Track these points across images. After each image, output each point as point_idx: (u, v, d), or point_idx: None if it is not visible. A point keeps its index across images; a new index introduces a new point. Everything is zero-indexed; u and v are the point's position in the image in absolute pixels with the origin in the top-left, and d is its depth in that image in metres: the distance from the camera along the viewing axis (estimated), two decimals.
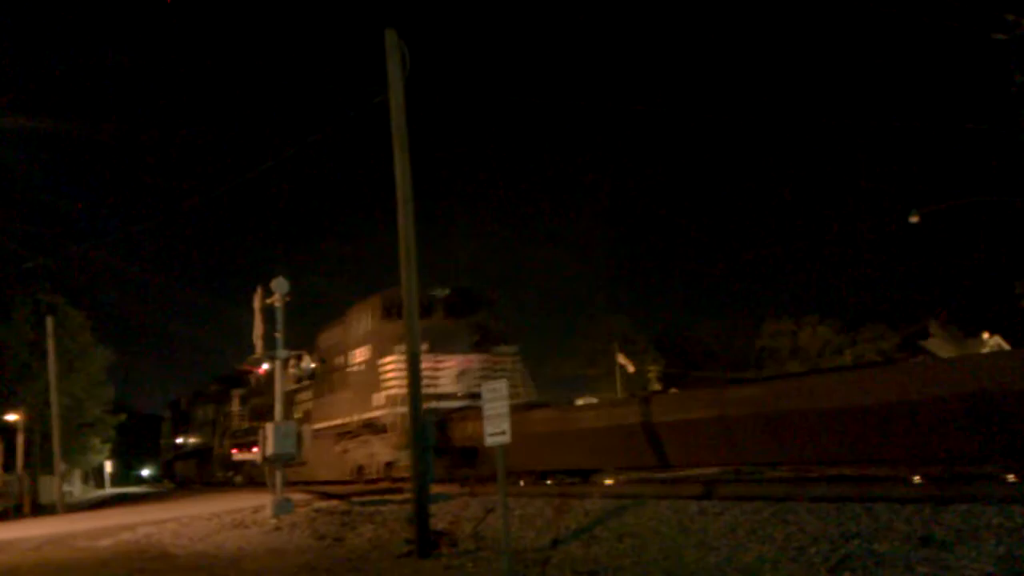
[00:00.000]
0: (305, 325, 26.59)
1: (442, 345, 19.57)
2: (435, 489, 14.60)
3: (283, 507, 15.88)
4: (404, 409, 18.79)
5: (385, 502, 15.52)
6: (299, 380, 24.62)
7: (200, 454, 43.26)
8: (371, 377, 21.02)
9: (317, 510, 15.73)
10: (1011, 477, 9.84)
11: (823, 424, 10.89)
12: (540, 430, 15.54)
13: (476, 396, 19.22)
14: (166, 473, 58.79)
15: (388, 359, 20.33)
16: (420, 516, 11.03)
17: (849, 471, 13.04)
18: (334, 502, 17.08)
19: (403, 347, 18.35)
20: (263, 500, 17.23)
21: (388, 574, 9.73)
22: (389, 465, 20.52)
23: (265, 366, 18.76)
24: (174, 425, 50.96)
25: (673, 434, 12.98)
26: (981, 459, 10.08)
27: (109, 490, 62.15)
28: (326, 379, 24.14)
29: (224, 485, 36.35)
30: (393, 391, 19.83)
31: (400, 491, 17.68)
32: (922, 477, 10.78)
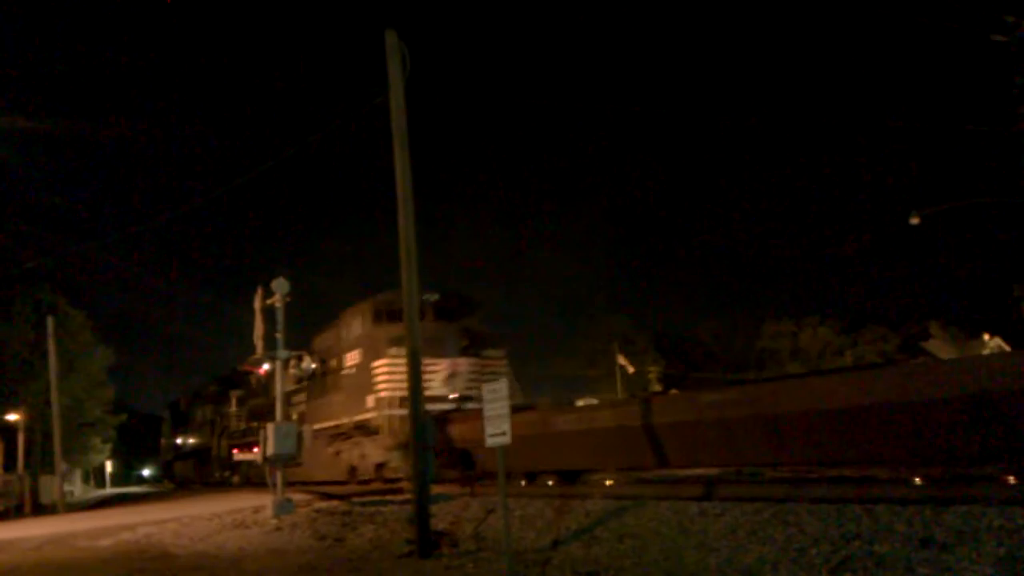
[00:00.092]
0: (306, 325, 26.68)
1: (431, 349, 19.63)
2: (435, 490, 14.63)
3: (284, 507, 15.90)
4: (394, 411, 19.83)
5: (386, 502, 15.53)
6: (299, 381, 24.70)
7: (199, 455, 43.43)
8: (363, 380, 21.37)
9: (318, 510, 15.74)
10: (1011, 479, 9.85)
11: (824, 425, 10.89)
12: (524, 432, 15.64)
13: (466, 399, 19.92)
14: (166, 473, 58.89)
15: (379, 362, 20.69)
16: (421, 516, 11.03)
17: (850, 472, 13.06)
18: (335, 502, 17.10)
19: (393, 350, 19.96)
20: (263, 500, 17.24)
21: (389, 574, 9.73)
22: (380, 466, 20.84)
23: (266, 366, 18.82)
24: (173, 425, 51.12)
25: (645, 437, 13.37)
26: (981, 461, 10.08)
27: (110, 490, 62.21)
28: (320, 381, 24.46)
29: (222, 485, 36.52)
30: (383, 394, 20.26)
31: (400, 491, 17.71)
32: (922, 478, 10.79)
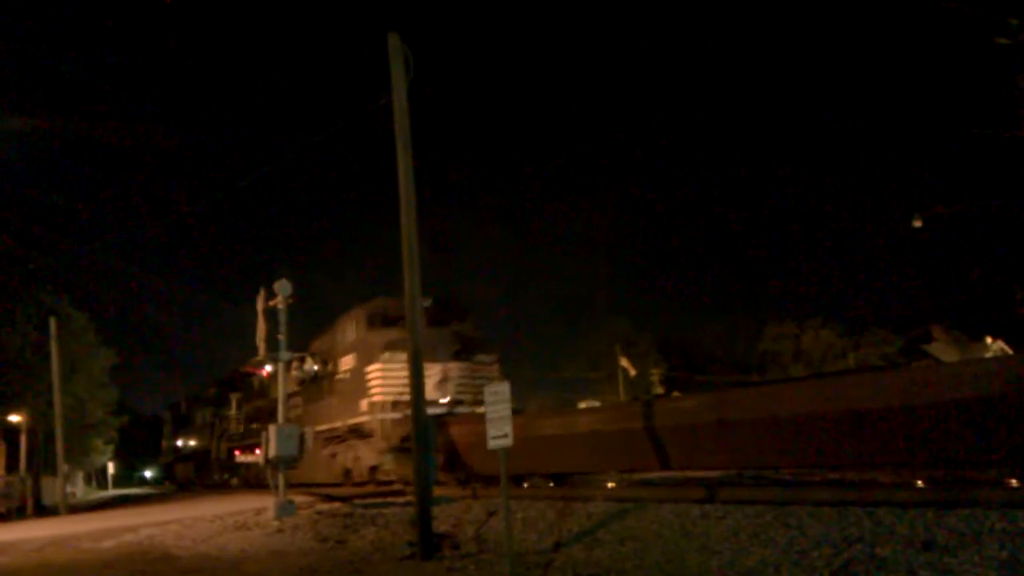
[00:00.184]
0: (308, 327, 26.75)
1: (425, 353, 19.97)
2: (437, 492, 14.65)
3: (286, 509, 15.91)
4: (387, 415, 20.20)
5: (387, 504, 15.53)
6: (301, 383, 24.79)
7: (199, 457, 43.66)
8: (357, 384, 21.64)
9: (319, 512, 15.75)
10: (1014, 482, 9.85)
11: (826, 428, 10.90)
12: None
13: (458, 403, 20.24)
14: (167, 475, 59.01)
15: (372, 367, 20.93)
16: (423, 519, 11.04)
17: (852, 475, 13.06)
18: (336, 504, 17.11)
19: (387, 355, 20.53)
20: (265, 502, 17.25)
21: None
22: (374, 469, 21.14)
23: (268, 368, 18.90)
24: (174, 428, 51.30)
25: (620, 441, 14.06)
26: (984, 464, 10.09)
27: (112, 491, 62.21)
28: (316, 385, 24.76)
29: (221, 487, 36.74)
30: (377, 398, 20.52)
31: (402, 494, 17.74)
32: (924, 481, 10.79)
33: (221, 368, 43.63)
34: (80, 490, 49.71)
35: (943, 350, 43.62)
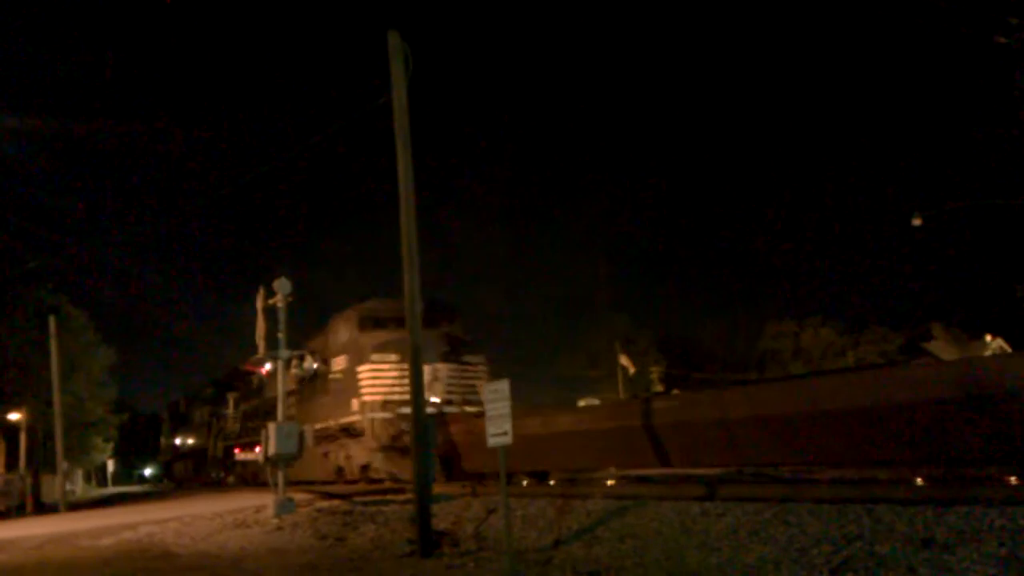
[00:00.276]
0: (306, 325, 26.86)
1: None
2: (437, 489, 14.67)
3: (285, 507, 15.92)
4: (377, 415, 20.80)
5: (387, 502, 15.54)
6: (301, 381, 24.91)
7: (196, 455, 44.00)
8: (348, 384, 22.16)
9: (319, 510, 15.75)
10: (1013, 479, 9.86)
11: (825, 426, 10.91)
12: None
13: (447, 403, 20.52)
14: (166, 473, 59.18)
15: (363, 368, 21.49)
16: (422, 516, 11.04)
17: (851, 473, 13.07)
18: (336, 502, 17.12)
19: (377, 356, 21.18)
20: (264, 500, 17.25)
21: (390, 574, 9.74)
22: (365, 467, 21.68)
23: (268, 366, 18.96)
24: (172, 426, 51.53)
25: (598, 440, 14.71)
26: (983, 461, 10.10)
27: (111, 489, 62.22)
28: (310, 384, 25.11)
29: (217, 485, 37.01)
30: (367, 398, 21.13)
31: (402, 491, 17.78)
32: (924, 479, 10.80)
33: (219, 367, 43.74)
34: (79, 488, 49.72)
35: (943, 348, 43.62)
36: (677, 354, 57.53)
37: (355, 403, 21.60)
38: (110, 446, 47.51)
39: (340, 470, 23.22)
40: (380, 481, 20.91)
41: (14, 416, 33.43)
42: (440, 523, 11.92)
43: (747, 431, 11.96)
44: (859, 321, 53.25)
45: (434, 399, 19.99)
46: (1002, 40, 18.21)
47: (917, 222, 24.24)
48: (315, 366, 24.43)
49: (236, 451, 33.17)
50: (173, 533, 15.32)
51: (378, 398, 20.93)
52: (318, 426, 23.30)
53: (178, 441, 49.30)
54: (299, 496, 18.26)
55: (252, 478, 30.98)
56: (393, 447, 20.45)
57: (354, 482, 22.15)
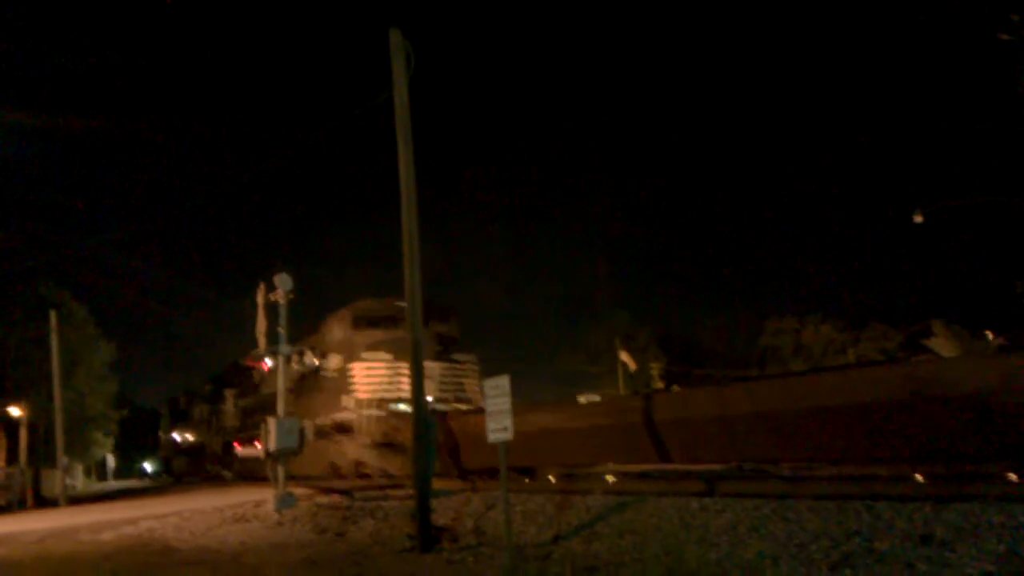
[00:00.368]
0: (306, 321, 26.98)
1: (406, 353, 20.59)
2: (437, 485, 14.68)
3: (285, 501, 15.94)
4: (369, 412, 21.24)
5: (387, 497, 15.57)
6: (302, 377, 24.99)
7: (195, 450, 44.34)
8: (342, 382, 22.58)
9: (319, 505, 15.78)
10: (1012, 476, 9.85)
11: (825, 422, 10.92)
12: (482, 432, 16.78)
13: (439, 401, 20.76)
14: (166, 468, 59.37)
15: (356, 366, 21.97)
16: (422, 511, 11.05)
17: (851, 469, 13.08)
18: (335, 497, 17.16)
19: (368, 355, 21.71)
20: (264, 495, 17.28)
21: (390, 569, 9.75)
22: (357, 463, 22.07)
23: (268, 361, 19.03)
24: (172, 421, 51.76)
25: (580, 437, 15.18)
26: (982, 458, 10.10)
27: (111, 484, 62.26)
28: (305, 381, 25.34)
29: (215, 480, 37.23)
30: (359, 395, 21.61)
31: (400, 486, 17.82)
32: (923, 475, 10.80)
33: (222, 361, 43.83)
34: (80, 482, 49.75)
35: (943, 345, 43.50)
36: (677, 351, 57.50)
37: (348, 400, 22.00)
38: (110, 441, 47.51)
39: (333, 465, 23.57)
40: (370, 476, 21.20)
41: (15, 411, 33.42)
42: (440, 519, 11.93)
43: (747, 427, 11.97)
44: (860, 318, 53.21)
45: (427, 397, 20.23)
46: (1005, 37, 18.19)
47: (918, 219, 24.23)
48: (316, 362, 24.54)
49: (236, 446, 33.34)
50: (173, 528, 15.34)
51: (370, 395, 21.38)
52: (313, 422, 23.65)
53: (177, 436, 49.51)
54: (299, 491, 18.30)
55: (248, 473, 31.25)
56: (384, 443, 20.76)
57: (347, 477, 22.44)
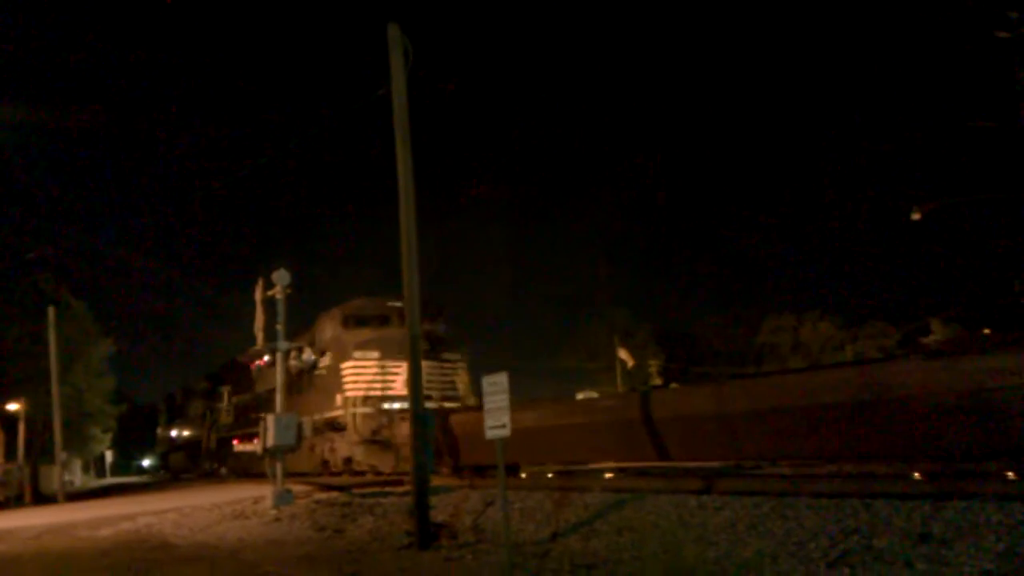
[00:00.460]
0: (304, 318, 27.01)
1: (396, 351, 21.03)
2: (436, 482, 14.69)
3: (284, 498, 15.93)
4: (359, 409, 21.53)
5: (385, 494, 15.56)
6: (300, 373, 25.03)
7: (191, 447, 44.55)
8: (332, 380, 22.90)
9: (317, 501, 15.76)
10: (1011, 474, 9.86)
11: (823, 420, 10.91)
12: (469, 431, 17.07)
13: (426, 399, 20.82)
14: (163, 464, 59.46)
15: (346, 364, 22.23)
16: (420, 508, 11.04)
17: (849, 467, 13.09)
18: (334, 494, 17.15)
19: (359, 354, 22.01)
20: (262, 491, 17.27)
21: (388, 566, 9.74)
22: (348, 460, 22.30)
23: (266, 358, 19.08)
24: (169, 418, 51.87)
25: (568, 435, 15.29)
26: (981, 456, 10.09)
27: (110, 479, 62.27)
28: (298, 379, 25.46)
29: (211, 476, 37.41)
30: (350, 393, 21.88)
31: (399, 483, 17.83)
32: (922, 474, 10.80)
33: (219, 357, 43.88)
34: (78, 478, 49.78)
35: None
36: (676, 348, 57.58)
37: (339, 398, 22.26)
38: (108, 437, 47.47)
39: (325, 463, 23.78)
40: (363, 473, 21.38)
41: (13, 406, 33.42)
42: (438, 515, 11.93)
43: (745, 425, 11.95)
44: (858, 315, 53.28)
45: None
46: (1003, 35, 18.18)
47: (916, 216, 24.23)
48: (313, 358, 24.62)
49: (235, 443, 33.39)
50: (171, 524, 15.34)
51: (360, 394, 21.65)
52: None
53: (174, 433, 49.63)
54: (297, 488, 18.30)
55: (243, 470, 31.41)
56: (374, 440, 20.95)
57: (338, 474, 22.68)
